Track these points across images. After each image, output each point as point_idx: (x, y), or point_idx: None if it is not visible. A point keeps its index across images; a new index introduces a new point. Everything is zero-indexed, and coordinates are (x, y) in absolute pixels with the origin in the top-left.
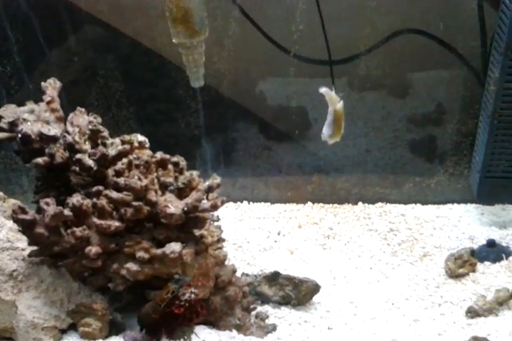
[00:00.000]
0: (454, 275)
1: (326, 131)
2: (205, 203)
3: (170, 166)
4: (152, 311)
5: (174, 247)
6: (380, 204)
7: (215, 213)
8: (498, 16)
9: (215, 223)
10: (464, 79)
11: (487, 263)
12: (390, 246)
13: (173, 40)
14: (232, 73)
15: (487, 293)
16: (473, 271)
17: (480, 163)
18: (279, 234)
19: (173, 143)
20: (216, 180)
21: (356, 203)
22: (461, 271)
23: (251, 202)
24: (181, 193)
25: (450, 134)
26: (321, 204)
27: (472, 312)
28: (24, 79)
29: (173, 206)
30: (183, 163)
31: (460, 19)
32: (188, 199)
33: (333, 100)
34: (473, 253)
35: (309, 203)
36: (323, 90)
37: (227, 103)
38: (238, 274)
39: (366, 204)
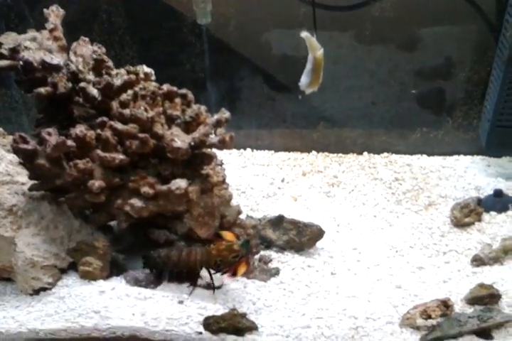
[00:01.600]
0: (459, 224)
1: (304, 79)
2: (213, 138)
3: (177, 99)
4: (199, 260)
5: (180, 183)
6: (385, 154)
7: (219, 157)
8: None
9: (219, 167)
10: (476, 28)
11: (493, 213)
12: (394, 195)
13: None
14: (238, 19)
15: (493, 242)
16: (479, 220)
17: (491, 112)
18: (282, 181)
19: (177, 85)
20: (225, 114)
21: (361, 153)
22: (466, 220)
23: (255, 150)
24: (188, 127)
25: (461, 84)
26: (325, 154)
27: (478, 261)
28: (25, 15)
29: (180, 140)
30: (190, 95)
31: None
32: (196, 134)
33: (314, 47)
34: (479, 202)
35: (314, 152)
36: (303, 35)
37: (232, 49)
38: (243, 217)
39: (371, 154)
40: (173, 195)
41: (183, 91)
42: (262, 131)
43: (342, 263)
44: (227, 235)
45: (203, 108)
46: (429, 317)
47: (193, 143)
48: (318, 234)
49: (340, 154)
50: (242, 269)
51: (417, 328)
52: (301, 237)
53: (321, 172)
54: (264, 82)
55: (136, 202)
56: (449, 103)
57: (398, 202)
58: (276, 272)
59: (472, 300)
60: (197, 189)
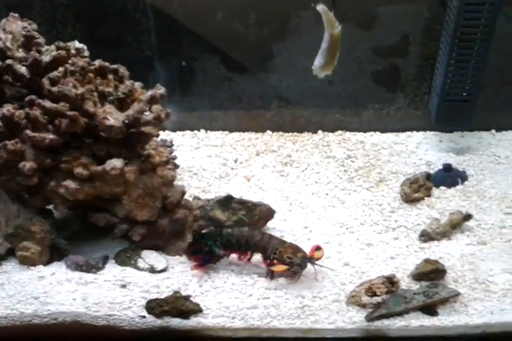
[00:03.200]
0: (409, 199)
1: (318, 60)
2: (148, 115)
3: (110, 76)
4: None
5: (115, 163)
6: (339, 132)
7: (170, 138)
8: None
9: (168, 149)
10: (426, 2)
11: (443, 187)
12: (347, 173)
13: None
14: None
15: (441, 217)
16: (429, 195)
17: (439, 86)
18: (235, 161)
19: (124, 64)
20: (160, 90)
21: (316, 131)
22: (416, 195)
23: (209, 131)
24: (122, 104)
25: (411, 60)
26: (280, 133)
27: (425, 236)
28: None
29: (113, 118)
30: (123, 70)
31: None
32: (130, 111)
33: (331, 22)
34: (428, 177)
35: (268, 131)
36: (320, 8)
37: (186, 28)
38: (190, 198)
39: (326, 133)
40: (109, 175)
41: (115, 66)
42: (217, 112)
43: (292, 242)
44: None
45: (137, 84)
46: (375, 294)
47: (127, 121)
48: (268, 213)
49: (295, 133)
50: (280, 268)
51: (363, 306)
52: (251, 217)
53: (275, 152)
54: (221, 62)
55: (70, 183)
56: (400, 79)
57: (350, 179)
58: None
59: (418, 276)
60: (134, 169)
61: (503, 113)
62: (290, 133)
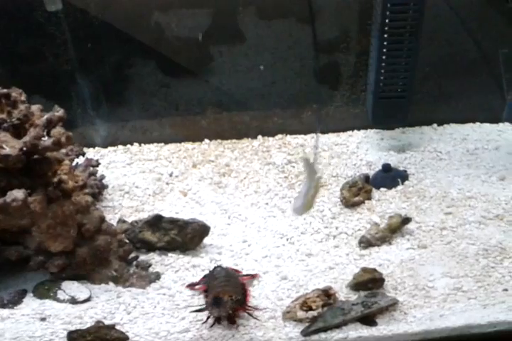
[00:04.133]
0: (349, 204)
1: (297, 202)
2: (46, 140)
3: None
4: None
5: (16, 194)
6: (279, 136)
7: (95, 157)
8: None
9: (92, 168)
10: None
11: (383, 189)
12: (287, 179)
13: None
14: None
15: (382, 221)
16: (369, 198)
17: (373, 83)
18: (171, 175)
19: (45, 81)
20: (58, 112)
21: (256, 137)
22: (356, 199)
23: (142, 144)
24: (19, 131)
25: (345, 57)
26: (218, 141)
27: (365, 242)
28: None
29: (9, 146)
30: (16, 94)
31: None
32: (26, 138)
33: (313, 172)
34: (367, 179)
35: (206, 140)
36: (304, 159)
37: (112, 35)
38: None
39: (266, 137)
40: (11, 207)
41: (4, 91)
42: (152, 123)
43: (230, 258)
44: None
45: (34, 107)
46: (310, 308)
47: (24, 148)
48: (201, 230)
49: (234, 140)
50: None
51: (300, 321)
52: (184, 236)
53: (213, 162)
54: (157, 68)
55: None
56: (337, 77)
57: (291, 186)
58: (156, 277)
59: (356, 286)
60: (40, 198)
61: (444, 106)
62: (229, 140)
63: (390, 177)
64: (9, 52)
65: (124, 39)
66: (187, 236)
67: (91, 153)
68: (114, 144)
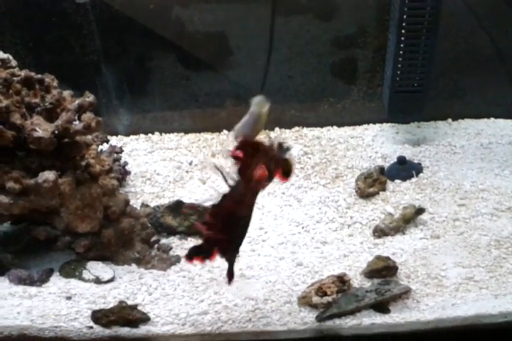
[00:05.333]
0: (364, 194)
1: (239, 129)
2: (77, 124)
3: (38, 86)
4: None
5: (47, 176)
6: (296, 128)
7: (118, 145)
8: None
9: (116, 155)
10: None
11: (398, 181)
12: (303, 170)
13: None
14: None
15: (396, 211)
16: (384, 189)
17: (389, 77)
18: (190, 163)
19: (71, 70)
20: (89, 98)
21: (273, 129)
22: (371, 190)
23: (163, 133)
24: (51, 115)
25: (362, 51)
26: None
27: (379, 232)
28: None
29: (42, 129)
30: (49, 79)
31: None
32: (58, 121)
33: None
34: (382, 171)
35: (225, 131)
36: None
37: (134, 28)
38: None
39: (283, 129)
40: (43, 188)
41: (39, 76)
42: (172, 113)
43: (247, 244)
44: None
45: (66, 93)
46: (325, 294)
47: (56, 132)
48: None
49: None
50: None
51: (315, 306)
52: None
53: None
54: (177, 61)
55: (3, 198)
56: (354, 71)
57: (307, 176)
58: (176, 260)
59: (370, 274)
60: (69, 180)
61: (459, 101)
62: None
63: (404, 169)
64: (37, 42)
65: (147, 32)
66: None
67: (114, 140)
68: (136, 133)
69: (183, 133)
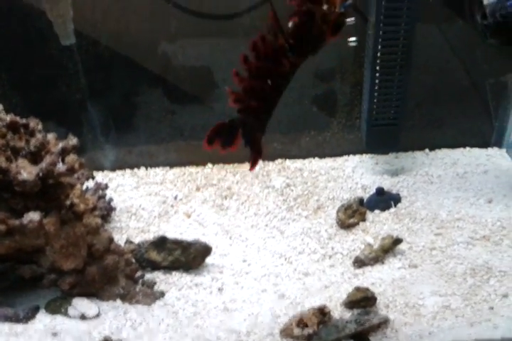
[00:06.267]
0: (344, 225)
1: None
2: (61, 167)
3: (22, 130)
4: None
5: (32, 216)
6: (279, 160)
7: (104, 181)
8: None
9: (101, 191)
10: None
11: (377, 211)
12: (286, 202)
13: None
14: (127, 32)
15: (375, 242)
16: (363, 220)
17: (366, 111)
18: (175, 198)
19: (58, 109)
20: (71, 141)
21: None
22: (351, 220)
23: (149, 168)
24: (36, 158)
25: (341, 86)
26: (221, 165)
27: (359, 262)
28: None
29: (26, 172)
30: (34, 124)
31: None
32: (42, 164)
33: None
34: (361, 202)
35: (209, 165)
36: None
37: (122, 64)
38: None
39: (266, 162)
40: (28, 228)
41: (24, 121)
42: (158, 148)
43: (230, 277)
44: None
45: (50, 136)
46: (306, 325)
47: (40, 174)
48: (204, 250)
49: (236, 164)
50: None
51: (297, 338)
52: (187, 256)
53: (215, 185)
54: (163, 95)
55: None
56: (335, 104)
57: (289, 208)
58: (160, 294)
59: (350, 305)
60: (53, 220)
61: (436, 131)
62: (231, 165)
63: (383, 200)
64: (24, 81)
65: (133, 68)
66: (190, 256)
67: (100, 176)
68: (122, 168)
69: (168, 168)
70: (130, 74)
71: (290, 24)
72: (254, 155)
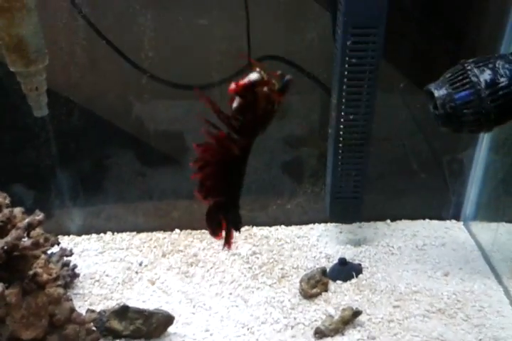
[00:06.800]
0: (307, 295)
1: None
2: (26, 241)
3: None
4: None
5: None
6: (246, 227)
7: (69, 245)
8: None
9: (66, 258)
10: (321, 104)
11: (339, 281)
12: (251, 270)
13: (10, 68)
14: (100, 97)
15: (336, 312)
16: (326, 290)
17: (329, 185)
18: (140, 264)
19: (27, 173)
20: (38, 216)
21: None
22: (314, 291)
23: (115, 233)
24: (1, 231)
25: (307, 158)
26: (188, 231)
27: (319, 333)
28: None
29: None
30: (1, 199)
31: (316, 46)
32: (8, 238)
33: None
34: (324, 272)
35: (177, 230)
36: None
37: (94, 129)
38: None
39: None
40: None
41: None
42: (126, 211)
43: None
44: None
45: (17, 210)
46: None
47: (5, 247)
48: (166, 320)
49: (204, 230)
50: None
51: None
52: (149, 325)
53: (182, 252)
54: (134, 158)
55: None
56: (300, 174)
57: (254, 276)
58: None
59: None
60: (16, 291)
61: (397, 203)
62: (198, 231)
63: (345, 270)
64: None
65: (106, 132)
66: (152, 325)
67: (65, 241)
68: (88, 232)
69: (135, 233)
70: (102, 137)
71: (233, 106)
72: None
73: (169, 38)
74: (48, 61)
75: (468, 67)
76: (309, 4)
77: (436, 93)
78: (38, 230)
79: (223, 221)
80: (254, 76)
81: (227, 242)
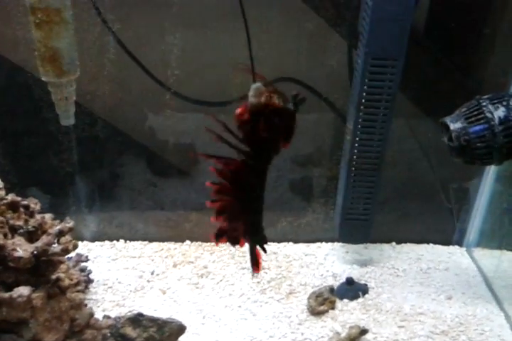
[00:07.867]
0: (315, 312)
1: None
2: (56, 247)
3: (22, 209)
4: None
5: (22, 291)
6: None
7: (84, 251)
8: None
9: (82, 264)
10: (334, 127)
11: (346, 300)
12: (260, 284)
13: (42, 78)
14: (118, 109)
15: (343, 330)
16: (333, 308)
17: (340, 206)
18: (152, 273)
19: (47, 178)
20: (69, 224)
21: None
22: (321, 308)
23: (128, 241)
24: (32, 236)
25: (318, 178)
26: (199, 243)
27: None
28: None
29: (22, 249)
30: (34, 205)
31: (330, 68)
32: (38, 243)
33: None
34: (332, 291)
35: (188, 241)
36: None
37: (112, 139)
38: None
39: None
40: (16, 302)
41: (26, 202)
42: (138, 220)
43: None
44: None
45: (47, 216)
46: None
47: (35, 252)
48: (178, 329)
49: (213, 243)
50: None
51: None
52: (161, 334)
53: (192, 263)
54: (147, 167)
55: None
56: (310, 194)
57: (263, 291)
58: None
59: None
60: (42, 295)
61: (403, 226)
62: (209, 243)
63: (352, 289)
64: (19, 150)
65: (122, 143)
66: (164, 334)
67: (80, 246)
68: (101, 239)
69: (147, 242)
70: (120, 148)
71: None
72: (252, 257)
73: (194, 56)
74: (79, 73)
75: (484, 104)
76: (332, 34)
77: (452, 126)
78: (67, 237)
79: (250, 245)
80: (251, 100)
81: (256, 265)
